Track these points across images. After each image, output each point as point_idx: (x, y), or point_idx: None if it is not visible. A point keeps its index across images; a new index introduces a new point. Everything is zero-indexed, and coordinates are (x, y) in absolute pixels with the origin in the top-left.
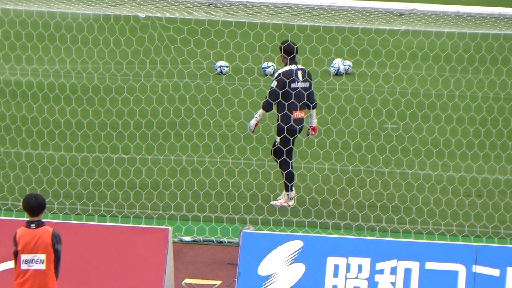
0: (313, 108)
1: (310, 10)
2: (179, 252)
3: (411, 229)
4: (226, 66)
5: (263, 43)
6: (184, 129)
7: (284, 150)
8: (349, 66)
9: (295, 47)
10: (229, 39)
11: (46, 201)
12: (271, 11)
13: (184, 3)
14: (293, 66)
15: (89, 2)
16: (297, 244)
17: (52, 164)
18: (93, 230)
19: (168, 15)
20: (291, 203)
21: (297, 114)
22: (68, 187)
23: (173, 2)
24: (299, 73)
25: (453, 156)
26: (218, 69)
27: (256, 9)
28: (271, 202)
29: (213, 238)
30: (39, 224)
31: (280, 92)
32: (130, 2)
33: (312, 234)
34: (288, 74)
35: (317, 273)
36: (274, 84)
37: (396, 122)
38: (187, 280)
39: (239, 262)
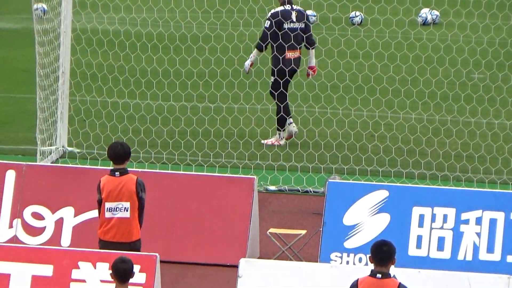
0: (311, 48)
1: None
2: (264, 202)
3: (497, 179)
4: (314, 15)
5: None
6: (271, 78)
7: (287, 85)
8: (437, 16)
9: None
10: None
11: (131, 150)
12: None
13: None
14: (287, 7)
15: None
16: (383, 194)
17: (138, 113)
18: (179, 179)
19: None
20: (282, 142)
21: (290, 55)
22: (154, 136)
23: None
24: (293, 14)
25: None
26: None
27: None
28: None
29: (298, 188)
30: (123, 172)
31: (270, 32)
32: None
33: (397, 184)
34: (280, 14)
35: (402, 223)
36: (266, 23)
37: (483, 72)
38: (272, 230)
39: (324, 211)
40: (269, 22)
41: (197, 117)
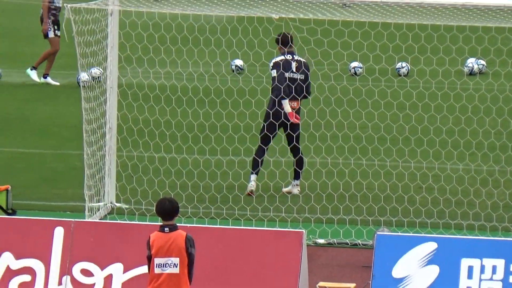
0: (304, 98)
1: (443, 10)
2: (313, 255)
3: None
4: (360, 67)
5: (396, 43)
6: (318, 131)
7: (271, 138)
8: (483, 65)
9: (289, 36)
10: (362, 40)
11: (179, 205)
12: (404, 11)
13: (317, 3)
14: (288, 57)
15: (223, 4)
16: (431, 246)
17: (185, 168)
18: (228, 234)
19: (301, 16)
20: (250, 185)
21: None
22: (202, 190)
23: (306, 3)
24: (293, 64)
25: None
26: (352, 70)
27: (390, 9)
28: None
29: (347, 241)
30: (173, 228)
31: (283, 79)
32: (263, 3)
33: (446, 236)
34: (281, 63)
35: (451, 275)
36: (274, 72)
37: None
38: (321, 283)
39: (373, 264)
40: (275, 70)
41: (245, 171)
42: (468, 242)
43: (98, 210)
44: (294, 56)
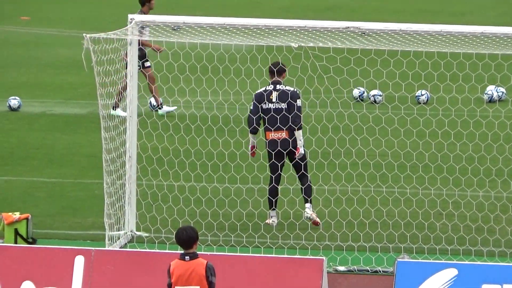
0: (297, 129)
1: (462, 37)
2: (333, 282)
3: None
4: (380, 95)
5: (416, 71)
6: (338, 159)
7: (276, 168)
8: (503, 92)
9: (275, 69)
10: (382, 68)
11: (199, 233)
12: (423, 39)
13: (337, 32)
14: (270, 87)
15: (242, 33)
16: (452, 272)
17: (205, 196)
18: (248, 262)
19: (320, 44)
20: (270, 221)
21: (272, 135)
22: (221, 219)
23: (325, 32)
24: (274, 94)
25: None
26: (372, 98)
27: (409, 37)
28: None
29: (368, 268)
30: (193, 256)
31: (256, 114)
32: (283, 32)
33: (466, 262)
34: (260, 95)
35: None
36: (251, 105)
37: None
38: None
39: None
40: (252, 104)
41: (264, 199)
42: (489, 268)
43: (119, 238)
44: (277, 86)
